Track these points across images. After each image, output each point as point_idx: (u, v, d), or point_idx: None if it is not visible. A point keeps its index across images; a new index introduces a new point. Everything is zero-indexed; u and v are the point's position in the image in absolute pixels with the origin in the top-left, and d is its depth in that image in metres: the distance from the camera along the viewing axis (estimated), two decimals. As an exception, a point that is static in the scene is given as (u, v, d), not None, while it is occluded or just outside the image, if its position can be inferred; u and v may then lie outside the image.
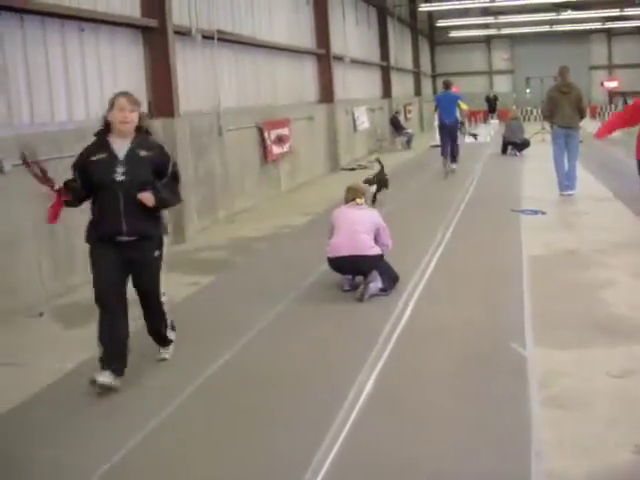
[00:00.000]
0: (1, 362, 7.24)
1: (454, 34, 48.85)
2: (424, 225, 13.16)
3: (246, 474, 4.89)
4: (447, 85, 22.37)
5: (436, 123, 23.61)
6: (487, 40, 52.61)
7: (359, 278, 9.06)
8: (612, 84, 47.99)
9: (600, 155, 22.87)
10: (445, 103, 21.68)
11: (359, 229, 8.92)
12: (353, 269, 9.05)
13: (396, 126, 32.06)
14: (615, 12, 40.79)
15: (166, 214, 6.95)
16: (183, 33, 13.83)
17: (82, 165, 6.41)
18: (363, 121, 28.30)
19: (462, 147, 22.96)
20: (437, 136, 23.51)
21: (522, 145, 25.28)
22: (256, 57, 18.15)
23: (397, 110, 33.10)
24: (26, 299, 8.96)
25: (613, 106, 45.95)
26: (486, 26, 47.45)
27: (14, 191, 8.73)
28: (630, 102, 40.25)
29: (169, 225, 8.29)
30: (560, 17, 41.30)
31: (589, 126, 30.13)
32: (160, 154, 6.57)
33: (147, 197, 6.34)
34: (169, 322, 7.10)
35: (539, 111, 33.81)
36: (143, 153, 6.44)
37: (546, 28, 46.00)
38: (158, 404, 6.00)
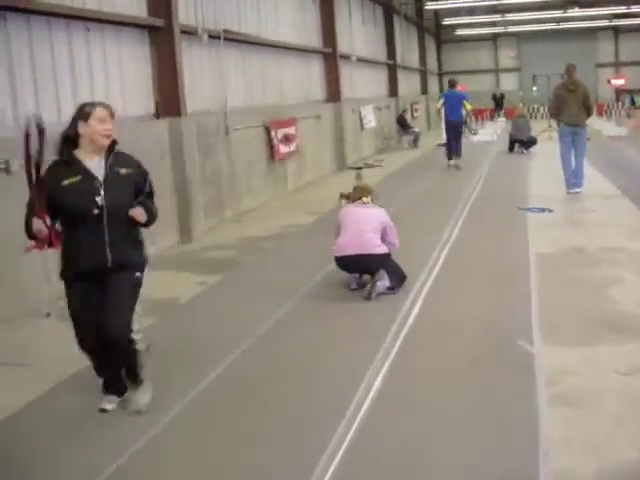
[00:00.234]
0: (7, 362, 7.26)
1: (460, 32, 48.75)
2: (431, 223, 13.15)
3: (254, 471, 4.91)
4: (452, 84, 23.38)
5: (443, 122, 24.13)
6: (494, 38, 52.51)
7: (366, 277, 9.06)
8: (619, 82, 47.84)
9: (607, 152, 22.84)
10: (451, 101, 22.61)
11: (365, 228, 8.91)
12: (360, 268, 9.05)
13: (403, 125, 32.06)
14: (622, 9, 40.68)
15: (147, 242, 6.14)
16: (189, 33, 13.84)
17: (50, 191, 5.37)
18: (370, 120, 28.29)
19: (466, 145, 23.77)
20: (444, 135, 24.13)
21: (529, 143, 25.26)
22: (262, 56, 18.16)
23: (404, 109, 33.08)
24: (32, 299, 8.96)
25: (620, 104, 45.84)
26: (493, 24, 47.32)
27: (21, 191, 8.72)
28: (637, 100, 40.32)
29: (150, 239, 8.14)
30: (567, 14, 41.23)
31: (596, 124, 30.12)
32: (139, 171, 5.80)
33: (139, 213, 5.65)
34: (139, 367, 6.03)
35: (546, 109, 33.76)
36: (123, 171, 5.64)
37: (553, 26, 45.88)
38: (166, 403, 6.01)
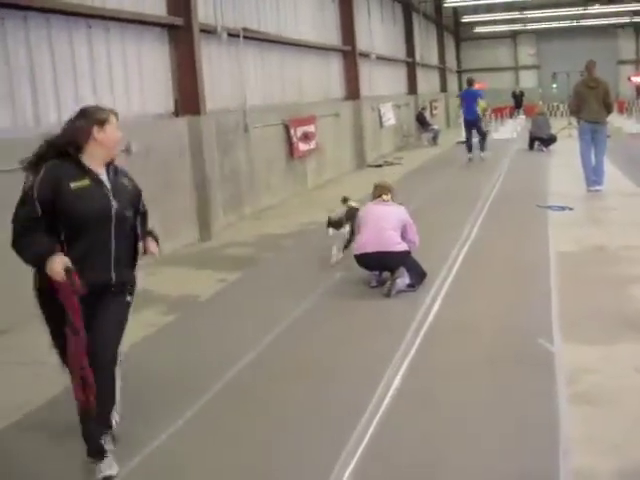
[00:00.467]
0: (20, 361, 7.27)
1: (479, 30, 48.68)
2: (451, 221, 13.12)
3: (272, 466, 4.93)
4: (470, 82, 24.57)
5: (461, 119, 24.44)
6: (513, 35, 52.40)
7: (386, 274, 9.06)
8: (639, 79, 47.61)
9: (628, 150, 22.73)
10: (467, 100, 23.72)
11: (385, 226, 8.92)
12: (380, 265, 9.05)
13: (422, 122, 32.02)
14: (643, 6, 40.51)
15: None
16: (209, 31, 13.87)
17: (54, 194, 4.76)
18: (389, 118, 28.27)
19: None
20: (464, 132, 24.66)
21: (549, 140, 25.16)
22: (282, 54, 18.19)
23: (423, 106, 33.05)
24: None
25: (640, 101, 45.64)
26: (512, 21, 47.19)
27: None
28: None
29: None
30: (587, 11, 41.04)
31: (616, 121, 29.96)
32: (135, 187, 5.29)
33: (154, 247, 5.39)
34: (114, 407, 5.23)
35: (566, 106, 33.63)
36: (125, 182, 5.19)
37: (572, 23, 45.71)
38: (189, 397, 6.04)
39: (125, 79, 11.55)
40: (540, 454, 4.84)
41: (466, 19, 45.50)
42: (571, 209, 13.64)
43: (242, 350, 7.15)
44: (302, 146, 18.33)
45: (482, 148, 23.80)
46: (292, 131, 17.74)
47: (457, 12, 47.43)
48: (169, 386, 6.46)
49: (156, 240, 5.45)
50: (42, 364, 5.06)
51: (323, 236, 10.29)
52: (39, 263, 4.69)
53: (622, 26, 48.17)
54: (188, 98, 12.94)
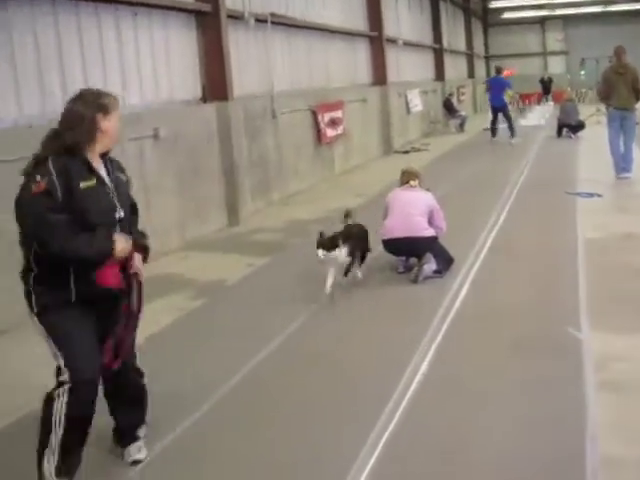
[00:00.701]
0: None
1: (507, 15, 48.34)
2: (478, 207, 13.09)
3: (302, 447, 4.97)
4: (498, 70, 25.71)
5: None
6: (541, 21, 51.95)
7: (413, 260, 9.07)
8: (670, 65, 47.11)
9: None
10: (495, 87, 24.76)
11: (413, 211, 8.92)
12: (407, 251, 9.06)
13: (449, 109, 31.89)
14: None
15: None
16: (236, 17, 13.88)
17: (68, 195, 4.29)
18: (416, 104, 28.18)
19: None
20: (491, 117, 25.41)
21: (577, 127, 24.96)
22: (309, 40, 18.18)
23: (450, 92, 32.91)
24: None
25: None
26: (540, 7, 46.80)
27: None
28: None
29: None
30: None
31: (646, 108, 29.62)
32: (128, 177, 4.86)
33: (139, 264, 4.72)
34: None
35: (594, 93, 33.38)
36: (122, 177, 4.75)
37: (601, 8, 45.31)
38: (215, 380, 6.09)
39: (153, 65, 11.60)
40: (567, 441, 4.85)
41: (494, 5, 45.18)
42: (600, 196, 13.56)
43: (270, 332, 7.19)
44: (330, 132, 18.33)
45: (512, 134, 24.29)
46: (320, 117, 17.75)
47: (485, -3, 47.19)
48: (194, 372, 6.52)
49: (145, 249, 4.83)
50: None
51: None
52: (106, 253, 4.39)
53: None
54: (216, 84, 12.97)
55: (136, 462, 4.90)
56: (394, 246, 9.01)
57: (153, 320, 6.41)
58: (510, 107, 26.10)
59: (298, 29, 17.42)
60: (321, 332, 7.33)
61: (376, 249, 9.34)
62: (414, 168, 9.95)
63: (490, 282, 8.67)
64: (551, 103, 42.21)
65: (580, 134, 24.66)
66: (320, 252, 8.05)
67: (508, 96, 25.30)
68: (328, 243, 8.09)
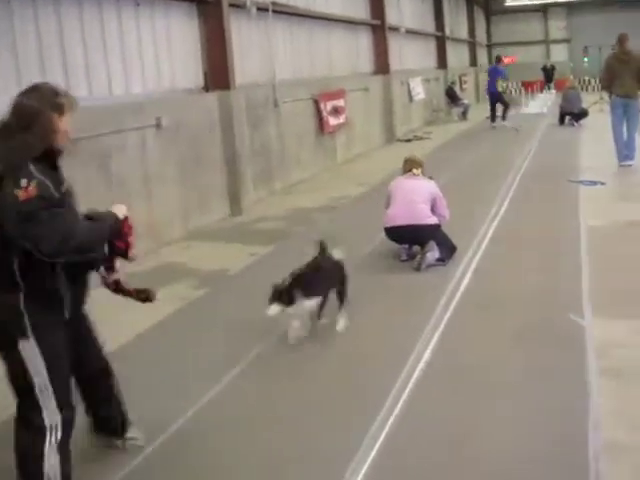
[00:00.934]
0: None
1: (510, 3, 48.24)
2: (481, 195, 13.08)
3: (302, 437, 4.99)
4: (498, 59, 27.61)
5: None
6: (543, 9, 51.75)
7: (416, 248, 9.07)
8: (673, 52, 46.97)
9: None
10: (492, 75, 26.55)
11: (416, 199, 8.92)
12: (410, 239, 9.06)
13: (452, 97, 31.84)
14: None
15: None
16: (238, 5, 13.84)
17: (63, 199, 3.94)
18: (419, 92, 28.15)
19: (515, 117, 26.58)
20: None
21: (580, 115, 24.91)
22: (311, 28, 18.15)
23: (453, 81, 32.86)
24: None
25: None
26: (543, -6, 46.77)
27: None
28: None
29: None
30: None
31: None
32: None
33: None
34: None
35: (597, 80, 33.29)
36: (70, 182, 4.21)
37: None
38: (225, 365, 6.10)
39: (155, 54, 11.57)
40: (570, 428, 4.86)
41: (496, -8, 45.20)
42: (603, 184, 13.54)
43: (270, 325, 7.17)
44: (332, 121, 18.30)
45: (503, 117, 26.29)
46: (322, 105, 17.72)
47: (487, -15, 47.10)
48: (195, 361, 6.53)
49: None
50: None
51: (352, 210, 10.21)
52: (114, 230, 4.26)
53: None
54: (217, 73, 12.94)
55: (132, 439, 4.88)
56: (397, 234, 9.02)
57: (155, 309, 6.40)
58: (505, 95, 26.77)
59: (300, 17, 17.38)
60: (323, 319, 7.32)
61: (378, 237, 9.34)
62: (417, 156, 9.93)
63: (493, 270, 8.68)
64: (553, 91, 42.11)
65: (583, 122, 24.62)
66: (272, 308, 6.31)
67: (500, 85, 25.67)
68: (283, 294, 6.35)
